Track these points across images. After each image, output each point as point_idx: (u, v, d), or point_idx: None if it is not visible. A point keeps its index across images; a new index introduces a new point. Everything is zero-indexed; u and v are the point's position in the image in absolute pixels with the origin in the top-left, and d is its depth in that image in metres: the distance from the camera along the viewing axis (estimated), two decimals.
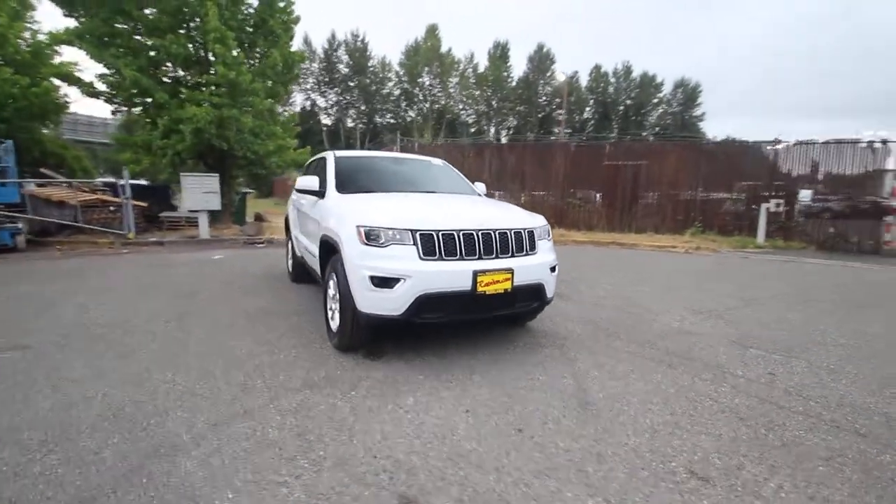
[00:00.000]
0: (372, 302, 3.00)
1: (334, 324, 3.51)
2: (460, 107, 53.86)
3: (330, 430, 2.29)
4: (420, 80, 50.50)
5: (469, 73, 52.83)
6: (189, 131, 10.14)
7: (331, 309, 3.59)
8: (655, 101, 58.69)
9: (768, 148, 12.02)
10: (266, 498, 1.79)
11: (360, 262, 3.01)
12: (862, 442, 2.25)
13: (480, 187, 4.96)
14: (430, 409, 2.54)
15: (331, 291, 3.59)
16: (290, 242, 6.10)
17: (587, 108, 58.07)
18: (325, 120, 50.63)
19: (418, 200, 3.84)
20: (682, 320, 4.46)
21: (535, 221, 3.58)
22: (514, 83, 54.93)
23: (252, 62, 12.18)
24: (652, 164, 13.02)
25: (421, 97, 52.32)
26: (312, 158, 5.93)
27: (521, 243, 3.32)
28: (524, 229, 3.38)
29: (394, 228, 3.03)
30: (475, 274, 3.02)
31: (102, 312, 4.33)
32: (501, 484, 1.90)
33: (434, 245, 3.02)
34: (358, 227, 3.09)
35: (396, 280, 2.93)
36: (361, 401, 2.62)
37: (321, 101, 50.80)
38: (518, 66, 57.65)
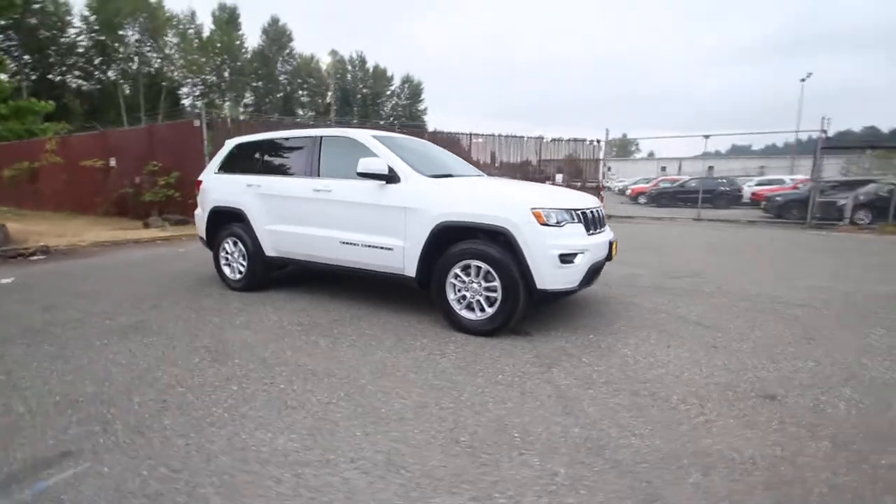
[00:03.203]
0: (556, 278, 3.22)
1: (471, 313, 3.42)
2: (183, 74, 44.97)
3: (630, 384, 2.61)
4: (121, 32, 39.30)
5: (192, 34, 44.51)
6: None
7: (460, 300, 3.46)
8: (388, 92, 64.32)
9: (528, 139, 15.89)
10: (663, 440, 2.12)
11: (547, 242, 3.16)
12: (821, 311, 4.12)
13: None
14: (649, 353, 3.10)
15: (456, 281, 3.45)
16: (227, 243, 4.72)
17: (329, 93, 58.29)
18: None
19: (503, 183, 4.03)
20: (618, 268, 6.09)
21: None
22: (248, 55, 49.68)
23: None
24: (451, 150, 15.14)
25: (123, 54, 40.90)
26: (270, 137, 4.75)
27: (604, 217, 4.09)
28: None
29: (564, 209, 3.31)
30: (610, 244, 3.65)
31: (62, 373, 2.61)
32: (772, 373, 2.78)
33: (587, 222, 3.46)
34: (533, 209, 3.20)
35: (576, 255, 3.26)
36: (591, 367, 2.87)
37: None
38: (252, 38, 52.06)
